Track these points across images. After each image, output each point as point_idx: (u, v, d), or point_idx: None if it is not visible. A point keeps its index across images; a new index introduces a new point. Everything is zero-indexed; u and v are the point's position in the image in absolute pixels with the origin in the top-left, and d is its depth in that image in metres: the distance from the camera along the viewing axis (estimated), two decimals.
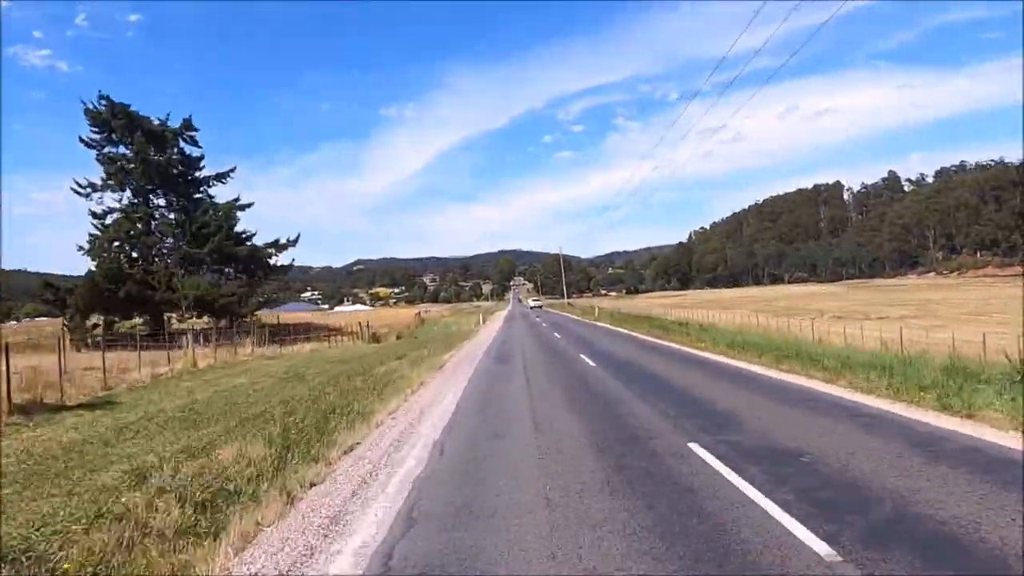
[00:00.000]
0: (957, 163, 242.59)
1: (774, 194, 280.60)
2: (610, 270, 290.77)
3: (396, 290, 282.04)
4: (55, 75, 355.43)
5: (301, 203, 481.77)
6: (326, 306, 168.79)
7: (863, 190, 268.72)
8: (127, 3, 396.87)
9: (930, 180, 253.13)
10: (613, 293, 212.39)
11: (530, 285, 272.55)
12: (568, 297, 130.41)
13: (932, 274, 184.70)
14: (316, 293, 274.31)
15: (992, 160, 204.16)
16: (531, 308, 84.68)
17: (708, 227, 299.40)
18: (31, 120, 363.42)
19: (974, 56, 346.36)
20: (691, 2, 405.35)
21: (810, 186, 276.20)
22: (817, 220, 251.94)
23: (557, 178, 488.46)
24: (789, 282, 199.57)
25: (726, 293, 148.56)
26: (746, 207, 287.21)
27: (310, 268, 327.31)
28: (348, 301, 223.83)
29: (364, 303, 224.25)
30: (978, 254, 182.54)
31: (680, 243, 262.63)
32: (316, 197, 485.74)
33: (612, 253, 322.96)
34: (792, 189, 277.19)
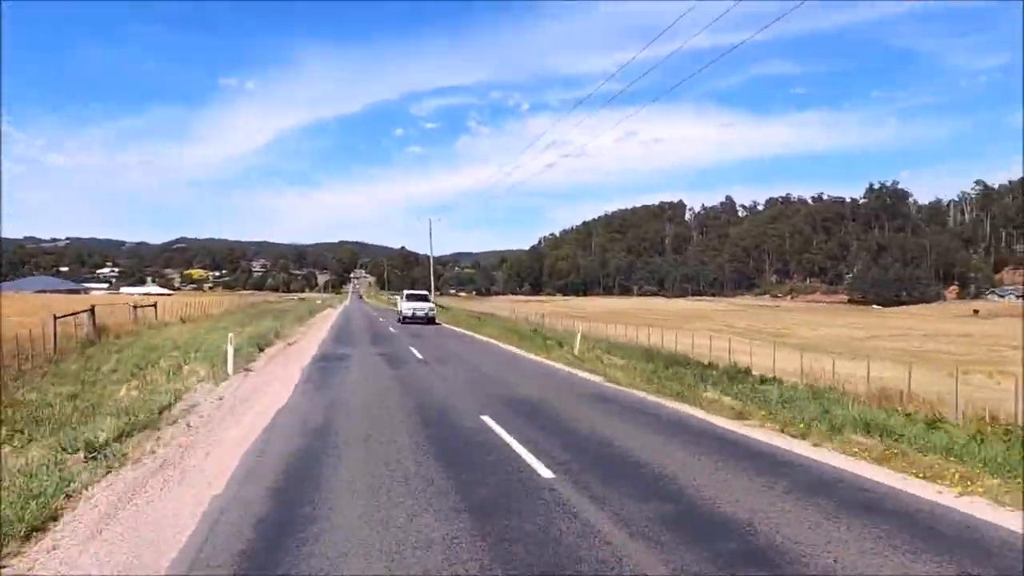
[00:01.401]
0: (783, 195, 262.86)
1: (621, 208, 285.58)
2: (456, 269, 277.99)
3: (216, 273, 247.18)
4: None
5: (115, 168, 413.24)
6: (107, 285, 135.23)
7: (703, 211, 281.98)
8: None
9: (760, 208, 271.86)
10: (463, 293, 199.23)
11: (372, 279, 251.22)
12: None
13: (767, 296, 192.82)
14: (114, 270, 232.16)
15: (819, 194, 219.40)
16: (405, 318, 36.30)
17: (558, 234, 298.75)
18: None
19: (785, 106, 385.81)
20: (547, 18, 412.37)
21: (656, 203, 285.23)
22: (663, 236, 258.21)
23: (406, 173, 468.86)
24: (638, 294, 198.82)
25: (597, 302, 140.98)
26: (595, 218, 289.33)
27: (123, 243, 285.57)
28: (152, 282, 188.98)
29: (174, 286, 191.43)
30: (807, 280, 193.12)
31: (532, 247, 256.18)
32: (135, 164, 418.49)
33: (458, 253, 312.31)
34: (635, 205, 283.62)
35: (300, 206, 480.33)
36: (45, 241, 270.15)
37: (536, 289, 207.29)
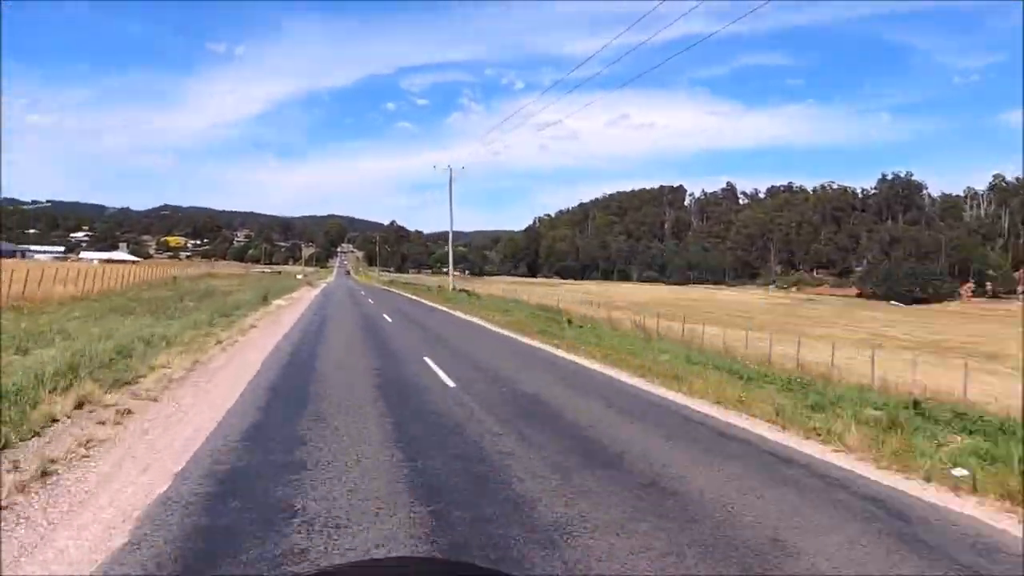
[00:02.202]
0: (785, 183, 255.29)
1: (619, 190, 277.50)
2: (446, 248, 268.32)
3: (196, 242, 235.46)
4: None
5: (98, 130, 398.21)
6: (62, 249, 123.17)
7: (704, 196, 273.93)
8: None
9: (762, 195, 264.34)
10: (457, 272, 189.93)
11: (360, 254, 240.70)
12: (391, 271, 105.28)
13: (772, 286, 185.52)
14: (89, 235, 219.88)
15: (827, 182, 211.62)
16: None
17: (553, 215, 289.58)
18: None
19: (776, 97, 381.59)
20: None
21: (655, 187, 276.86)
22: (662, 220, 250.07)
23: (396, 148, 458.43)
24: (638, 280, 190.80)
25: (617, 289, 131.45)
26: (592, 200, 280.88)
27: (103, 207, 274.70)
28: (124, 248, 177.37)
29: (148, 253, 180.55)
30: (814, 271, 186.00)
31: (528, 228, 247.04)
32: (118, 127, 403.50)
33: (446, 231, 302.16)
34: (633, 188, 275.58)
35: (288, 178, 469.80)
36: (25, 203, 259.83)
37: (532, 270, 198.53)
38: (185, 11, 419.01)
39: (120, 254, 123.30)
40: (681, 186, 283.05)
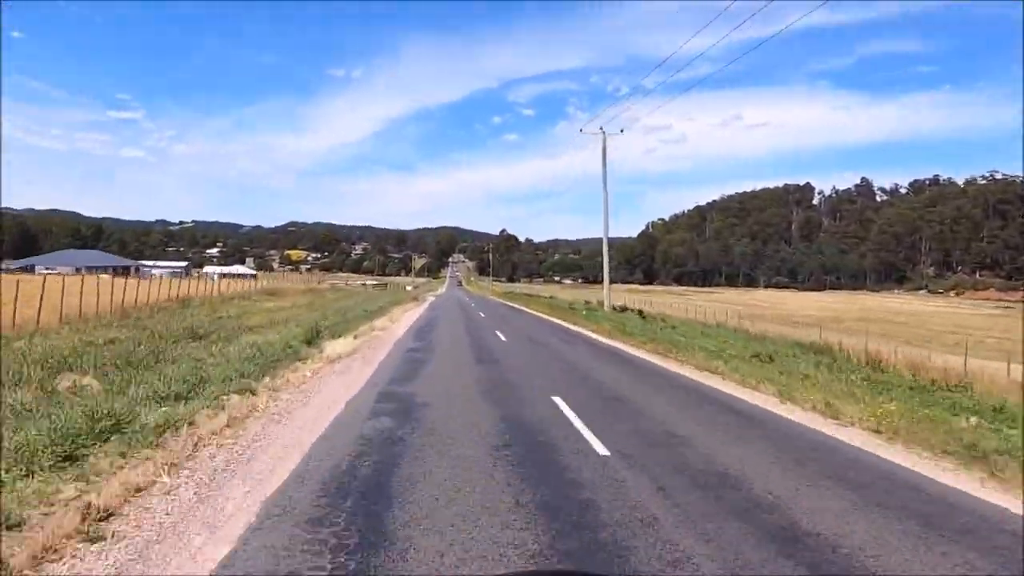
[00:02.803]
0: (931, 176, 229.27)
1: (740, 191, 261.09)
2: (557, 256, 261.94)
3: (316, 255, 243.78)
4: None
5: (234, 155, 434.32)
6: (185, 263, 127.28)
7: (834, 194, 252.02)
8: None
9: (904, 190, 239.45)
10: (568, 281, 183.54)
11: (471, 264, 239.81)
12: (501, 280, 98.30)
13: (924, 291, 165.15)
14: (219, 250, 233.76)
15: (990, 173, 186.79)
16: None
17: (667, 219, 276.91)
18: None
19: (906, 87, 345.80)
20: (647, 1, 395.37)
21: (780, 185, 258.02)
22: (789, 221, 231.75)
23: (503, 159, 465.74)
24: (767, 286, 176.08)
25: (777, 298, 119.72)
26: (708, 202, 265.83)
27: (239, 226, 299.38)
28: (250, 262, 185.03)
29: (271, 267, 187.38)
30: (977, 274, 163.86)
31: (641, 233, 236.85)
32: (251, 152, 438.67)
33: (554, 240, 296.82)
34: (755, 188, 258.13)
35: (402, 191, 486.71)
36: (174, 224, 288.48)
37: (649, 277, 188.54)
38: (310, 40, 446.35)
39: (241, 268, 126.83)
40: (808, 184, 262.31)
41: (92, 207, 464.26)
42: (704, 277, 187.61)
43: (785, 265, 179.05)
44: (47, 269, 68.91)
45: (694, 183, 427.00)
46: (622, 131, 39.57)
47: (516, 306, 51.99)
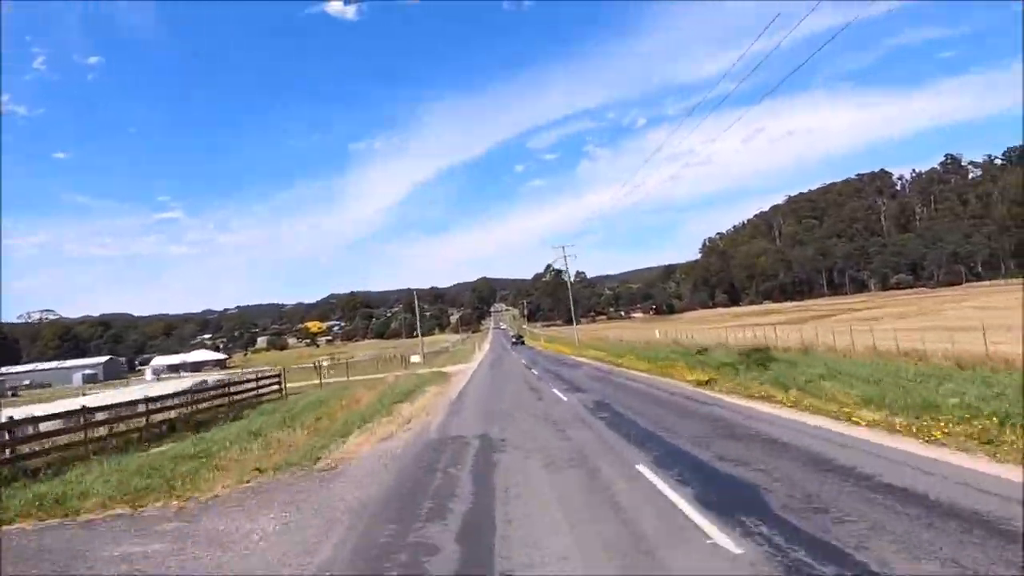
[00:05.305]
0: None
1: (811, 187, 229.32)
2: (608, 291, 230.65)
3: (338, 324, 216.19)
4: (13, 118, 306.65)
5: (276, 238, 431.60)
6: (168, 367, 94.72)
7: (918, 176, 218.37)
8: (85, 43, 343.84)
9: (999, 160, 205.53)
10: (638, 315, 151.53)
11: (515, 311, 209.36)
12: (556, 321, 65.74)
13: None
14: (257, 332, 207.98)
15: None
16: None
17: (724, 232, 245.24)
18: None
19: (931, 75, 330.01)
20: (654, 27, 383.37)
21: (854, 176, 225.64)
22: (876, 213, 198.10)
23: (530, 206, 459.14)
24: (886, 288, 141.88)
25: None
26: (772, 207, 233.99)
27: (282, 305, 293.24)
28: (213, 347, 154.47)
29: (284, 344, 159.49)
30: None
31: (702, 249, 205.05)
32: (291, 233, 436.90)
33: (600, 276, 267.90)
34: (824, 183, 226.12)
35: (436, 251, 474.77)
36: (217, 312, 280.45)
37: (733, 299, 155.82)
38: (332, 120, 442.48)
39: (205, 354, 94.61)
40: (883, 170, 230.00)
41: (143, 307, 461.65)
42: (798, 288, 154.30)
43: (902, 260, 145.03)
44: None
45: (728, 200, 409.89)
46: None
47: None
